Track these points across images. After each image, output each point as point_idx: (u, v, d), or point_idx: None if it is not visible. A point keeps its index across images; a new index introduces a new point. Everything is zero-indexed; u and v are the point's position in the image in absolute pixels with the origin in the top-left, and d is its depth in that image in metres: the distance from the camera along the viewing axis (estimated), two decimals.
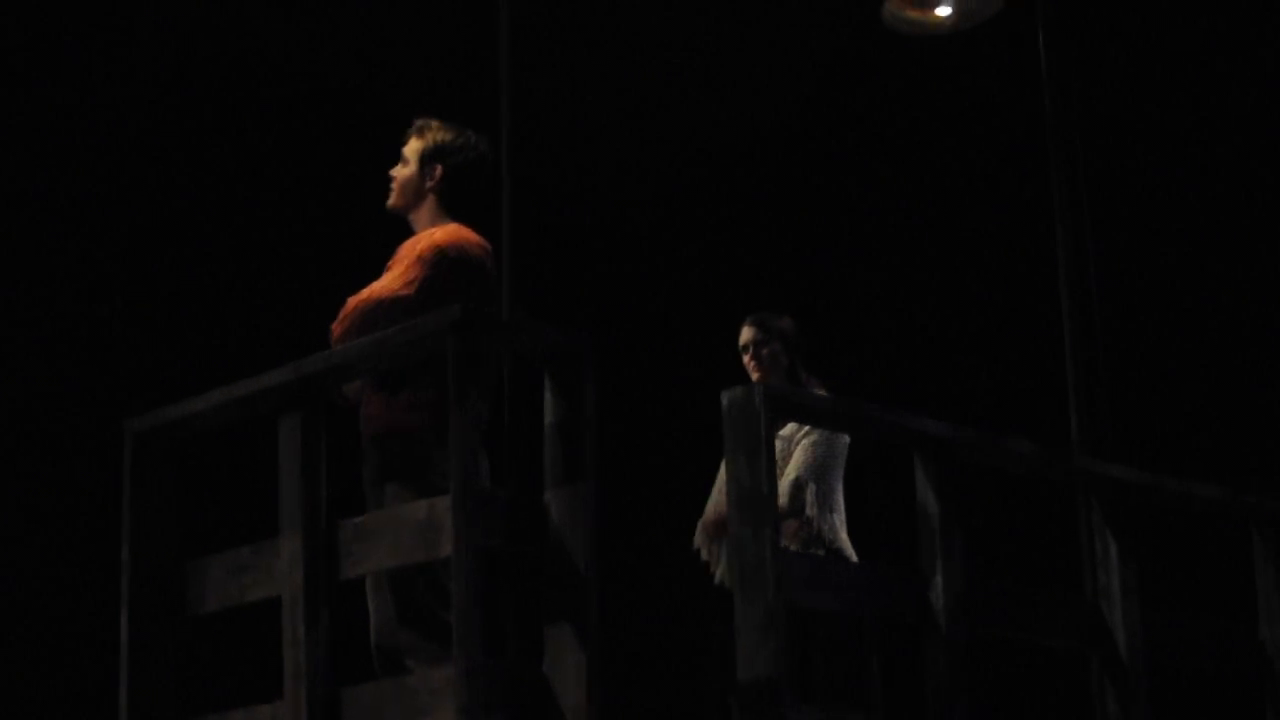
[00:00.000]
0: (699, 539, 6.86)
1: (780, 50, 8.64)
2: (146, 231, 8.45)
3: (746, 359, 6.92)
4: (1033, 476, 5.31)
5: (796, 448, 6.49)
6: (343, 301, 5.41)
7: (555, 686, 3.97)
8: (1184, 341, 8.69)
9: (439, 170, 5.58)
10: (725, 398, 4.52)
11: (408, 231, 5.62)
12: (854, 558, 6.29)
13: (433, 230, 5.51)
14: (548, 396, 4.16)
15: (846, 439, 6.41)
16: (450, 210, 5.58)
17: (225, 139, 8.62)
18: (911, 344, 9.25)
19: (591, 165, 9.01)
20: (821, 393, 6.54)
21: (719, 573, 6.82)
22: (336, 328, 5.35)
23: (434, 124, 5.63)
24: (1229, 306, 8.61)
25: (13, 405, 7.94)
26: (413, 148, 5.63)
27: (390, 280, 5.37)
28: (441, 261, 5.36)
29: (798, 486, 6.40)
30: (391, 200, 5.66)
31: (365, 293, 5.38)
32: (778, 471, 6.50)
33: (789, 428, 6.54)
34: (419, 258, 5.38)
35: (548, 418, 4.16)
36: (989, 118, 8.66)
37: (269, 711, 4.33)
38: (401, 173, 5.65)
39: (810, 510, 6.33)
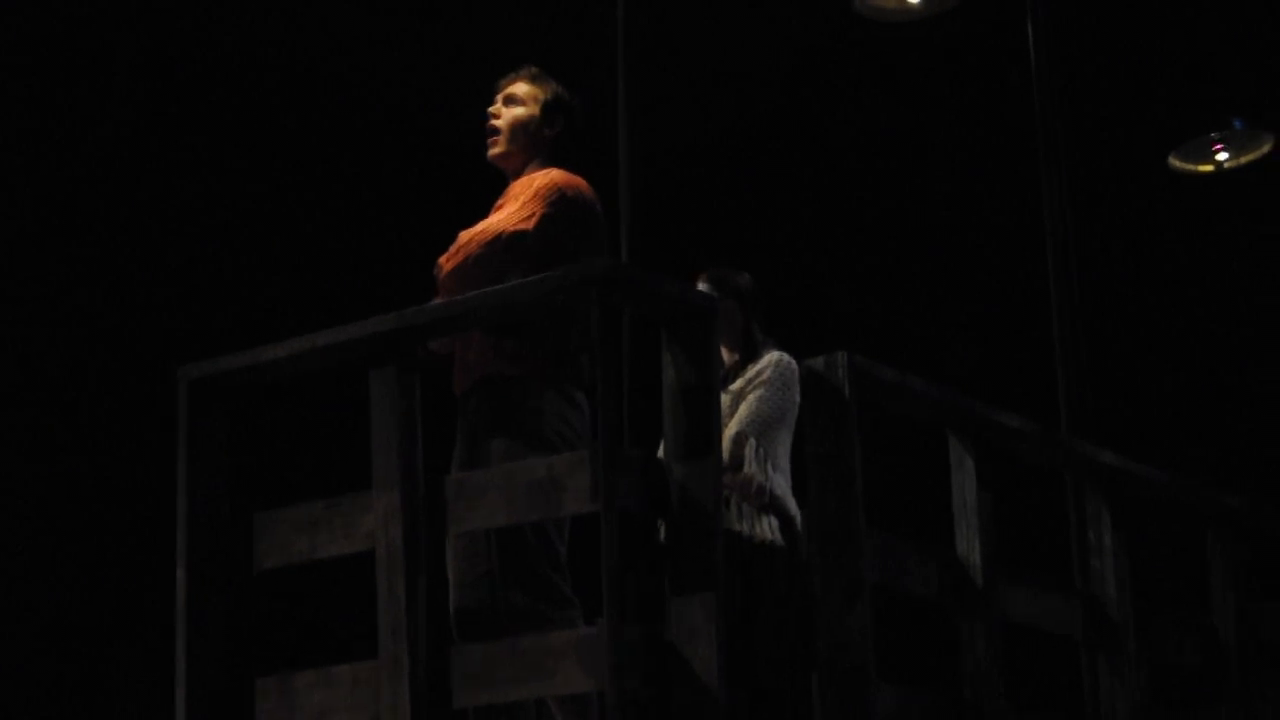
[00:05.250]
0: None
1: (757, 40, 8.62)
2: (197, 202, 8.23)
3: None
4: (1037, 462, 5.37)
5: (743, 402, 6.33)
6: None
7: (686, 654, 3.89)
8: (1166, 332, 8.86)
9: (561, 122, 5.30)
10: (805, 367, 4.48)
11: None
12: (796, 516, 6.19)
13: (548, 170, 5.21)
14: (669, 358, 4.07)
15: (797, 398, 6.25)
16: (554, 165, 5.27)
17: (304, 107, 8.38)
18: (900, 330, 9.27)
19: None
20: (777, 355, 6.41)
21: None
22: (446, 262, 5.03)
23: (546, 75, 5.33)
24: (1219, 300, 8.81)
25: (79, 354, 7.67)
26: (528, 91, 5.32)
27: (507, 216, 5.05)
28: (561, 201, 5.06)
29: (737, 441, 6.21)
30: (499, 146, 5.31)
31: (479, 227, 5.06)
32: (722, 426, 6.39)
33: (738, 383, 6.38)
34: (537, 194, 5.07)
35: (669, 379, 4.06)
36: (977, 102, 8.71)
37: (349, 672, 4.17)
38: (514, 113, 5.32)
39: (750, 466, 6.14)
